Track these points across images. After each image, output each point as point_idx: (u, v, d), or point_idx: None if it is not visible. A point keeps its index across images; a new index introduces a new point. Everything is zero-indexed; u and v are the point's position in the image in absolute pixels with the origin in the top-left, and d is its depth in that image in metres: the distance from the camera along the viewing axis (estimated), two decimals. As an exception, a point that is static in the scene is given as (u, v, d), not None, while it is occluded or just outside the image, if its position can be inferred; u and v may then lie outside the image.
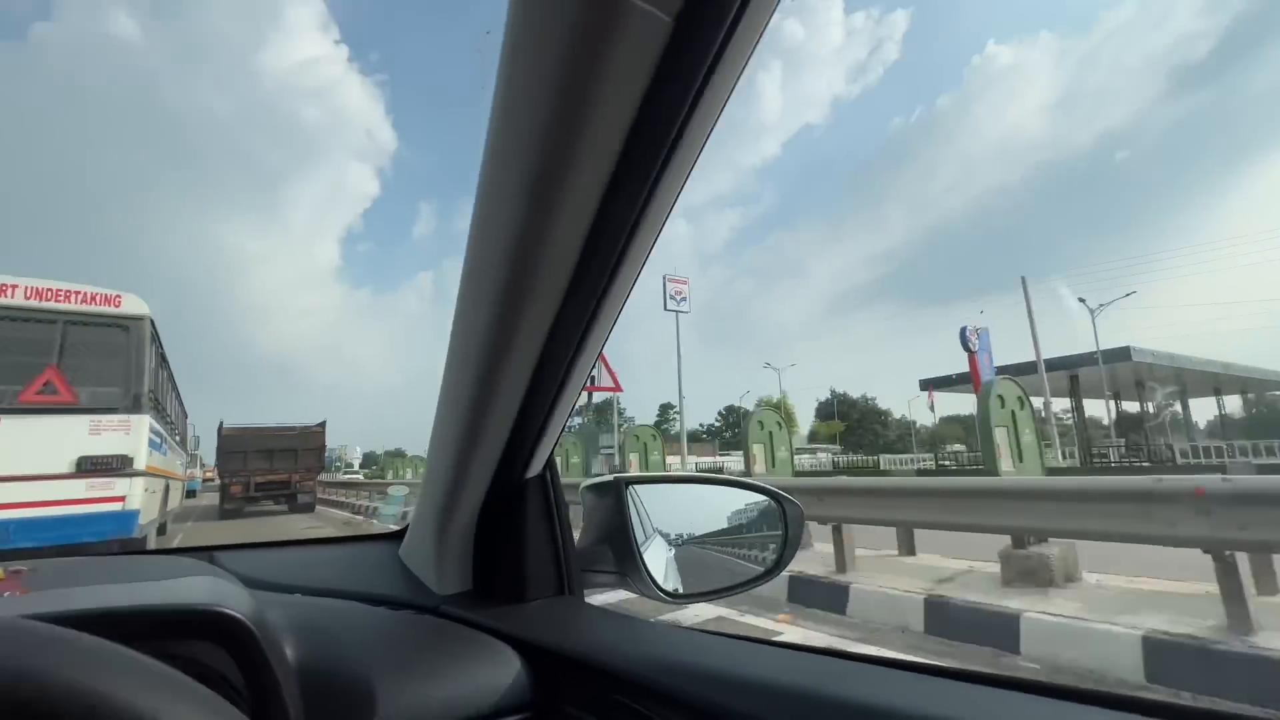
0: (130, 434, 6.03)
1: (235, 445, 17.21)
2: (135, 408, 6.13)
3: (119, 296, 6.33)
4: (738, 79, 0.39)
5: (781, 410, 24.48)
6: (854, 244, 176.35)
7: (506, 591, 0.77)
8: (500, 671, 0.61)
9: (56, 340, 5.89)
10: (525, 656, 0.63)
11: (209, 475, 31.24)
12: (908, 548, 5.43)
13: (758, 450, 8.23)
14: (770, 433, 8.39)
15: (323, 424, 19.17)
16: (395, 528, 1.02)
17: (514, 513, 0.75)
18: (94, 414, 5.87)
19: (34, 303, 5.88)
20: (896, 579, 4.51)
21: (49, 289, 5.99)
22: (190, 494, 25.06)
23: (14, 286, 5.84)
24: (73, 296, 6.07)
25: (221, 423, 17.86)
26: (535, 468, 0.74)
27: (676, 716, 0.49)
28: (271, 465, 17.26)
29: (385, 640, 0.64)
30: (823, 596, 4.55)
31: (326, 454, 20.56)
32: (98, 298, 6.23)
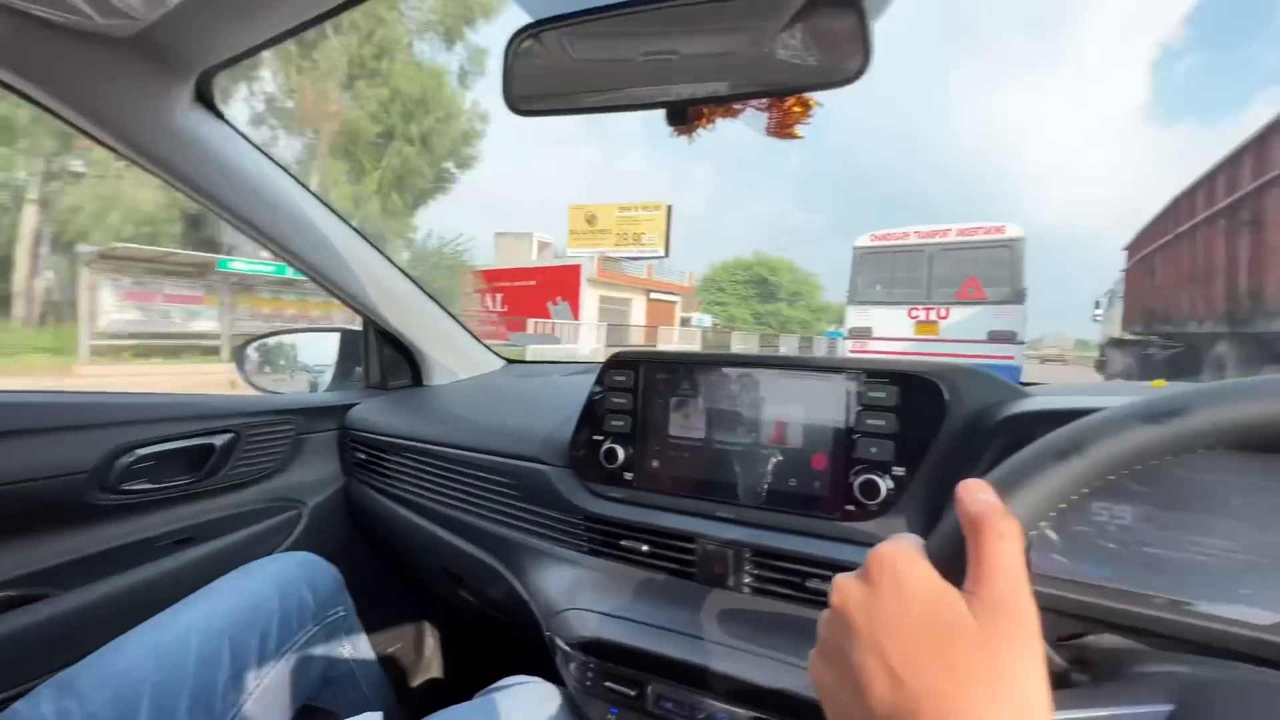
0: (1014, 317, 9.33)
1: None
2: (1017, 300, 9.38)
3: (1003, 227, 9.62)
4: None
5: None
6: None
7: None
8: None
9: (970, 260, 9.75)
10: None
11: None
12: None
13: None
14: None
15: None
16: None
17: None
18: (994, 305, 9.46)
19: (960, 239, 9.91)
20: None
21: (965, 229, 9.88)
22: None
23: (949, 230, 10.02)
24: (978, 232, 9.76)
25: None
26: None
27: None
28: None
29: None
30: None
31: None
32: (990, 229, 9.71)
